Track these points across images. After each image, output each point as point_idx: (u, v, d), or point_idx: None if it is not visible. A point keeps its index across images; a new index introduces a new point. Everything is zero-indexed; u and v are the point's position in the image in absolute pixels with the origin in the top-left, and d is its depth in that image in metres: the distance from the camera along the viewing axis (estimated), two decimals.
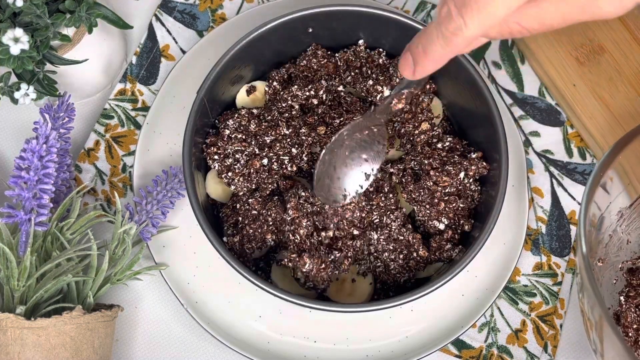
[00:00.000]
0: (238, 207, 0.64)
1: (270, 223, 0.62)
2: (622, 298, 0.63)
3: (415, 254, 0.63)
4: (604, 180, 0.55)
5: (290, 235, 0.61)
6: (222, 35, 0.71)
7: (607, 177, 0.56)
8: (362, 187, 0.61)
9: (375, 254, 0.63)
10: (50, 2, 0.61)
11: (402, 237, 0.63)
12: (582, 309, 0.57)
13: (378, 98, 0.65)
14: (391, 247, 0.63)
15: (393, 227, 0.63)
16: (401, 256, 0.63)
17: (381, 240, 0.63)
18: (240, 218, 0.64)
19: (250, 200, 0.63)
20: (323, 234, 0.62)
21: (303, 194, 0.62)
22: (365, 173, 0.61)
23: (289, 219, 0.62)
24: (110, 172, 0.71)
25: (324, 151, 0.61)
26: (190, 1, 0.76)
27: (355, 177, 0.61)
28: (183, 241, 0.67)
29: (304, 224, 0.61)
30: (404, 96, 0.57)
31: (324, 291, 0.63)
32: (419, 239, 0.63)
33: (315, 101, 0.65)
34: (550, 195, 0.71)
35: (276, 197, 0.63)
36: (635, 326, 0.61)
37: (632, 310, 0.62)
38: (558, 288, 0.69)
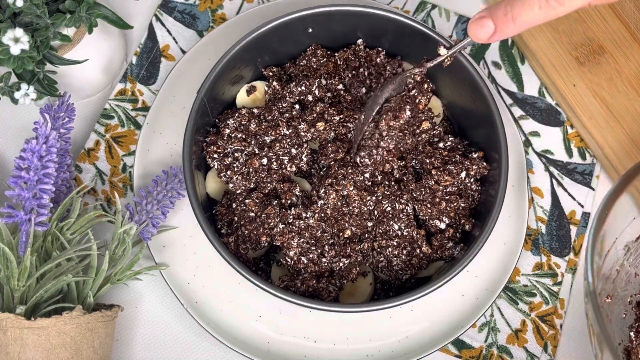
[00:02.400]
0: (234, 206, 0.64)
1: (266, 226, 0.62)
2: (632, 334, 0.62)
3: (418, 250, 0.63)
4: (608, 220, 0.56)
5: (282, 260, 0.62)
6: (222, 35, 0.71)
7: (613, 213, 0.56)
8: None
9: (378, 249, 0.63)
10: (51, 2, 0.61)
11: (406, 233, 0.63)
12: (587, 313, 0.57)
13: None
14: (395, 243, 0.63)
15: (408, 211, 0.63)
16: (404, 252, 0.63)
17: (396, 230, 0.63)
18: (236, 218, 0.64)
19: (247, 200, 0.63)
20: (341, 234, 0.62)
21: (294, 211, 0.62)
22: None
23: (278, 244, 0.62)
24: (111, 172, 0.71)
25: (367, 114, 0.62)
26: (190, 1, 0.76)
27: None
28: (183, 241, 0.67)
29: (295, 244, 0.61)
30: (454, 56, 0.59)
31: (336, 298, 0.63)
32: (422, 235, 0.63)
33: (310, 97, 0.65)
34: (550, 195, 0.71)
35: (275, 202, 0.63)
36: None
37: None
38: (558, 288, 0.69)
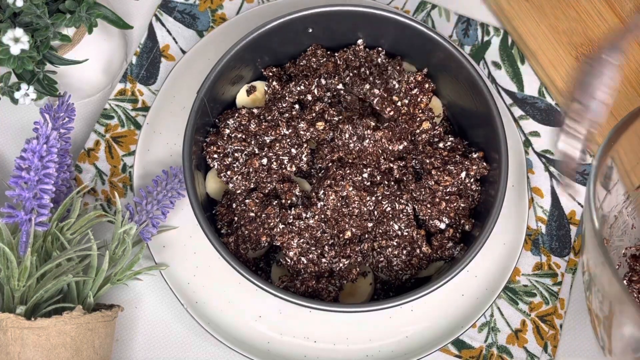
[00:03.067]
0: (234, 206, 0.64)
1: (266, 226, 0.62)
2: (624, 282, 0.62)
3: (418, 250, 0.63)
4: (612, 154, 0.55)
5: (281, 260, 0.62)
6: (222, 35, 0.71)
7: (615, 152, 0.55)
8: None
9: (378, 249, 0.63)
10: (51, 2, 0.61)
11: (406, 233, 0.63)
12: (590, 307, 0.57)
13: (375, 102, 0.65)
14: (395, 243, 0.63)
15: (408, 211, 0.63)
16: (404, 252, 0.63)
17: (396, 230, 0.63)
18: (236, 218, 0.64)
19: (247, 200, 0.63)
20: (341, 235, 0.62)
21: (293, 211, 0.62)
22: None
23: (278, 244, 0.62)
24: (111, 172, 0.71)
25: None
26: (190, 1, 0.76)
27: None
28: (183, 241, 0.67)
29: (294, 244, 0.61)
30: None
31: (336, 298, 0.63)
32: (422, 235, 0.63)
33: (309, 97, 0.65)
34: (550, 195, 0.71)
35: (276, 202, 0.63)
36: None
37: (635, 295, 0.62)
38: (558, 288, 0.69)
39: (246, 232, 0.63)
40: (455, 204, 0.63)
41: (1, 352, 0.59)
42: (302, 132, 0.64)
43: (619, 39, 0.55)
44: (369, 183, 0.63)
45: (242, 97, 0.68)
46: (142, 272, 0.65)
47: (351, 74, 0.66)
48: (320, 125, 0.64)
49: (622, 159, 0.58)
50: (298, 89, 0.65)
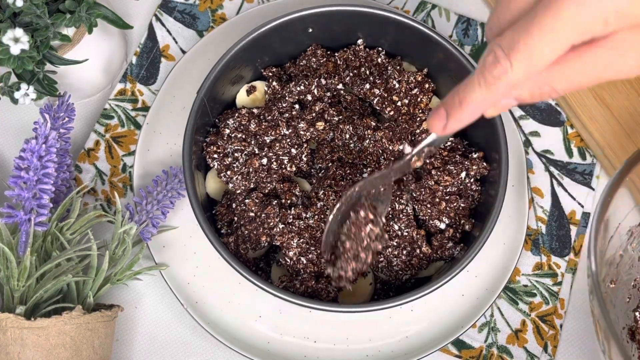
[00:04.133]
0: (234, 206, 0.64)
1: (266, 226, 0.62)
2: (637, 314, 0.63)
3: (418, 250, 0.63)
4: (613, 203, 0.56)
5: (281, 260, 0.62)
6: (222, 35, 0.71)
7: (616, 199, 0.56)
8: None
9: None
10: (50, 2, 0.61)
11: (406, 233, 0.63)
12: (592, 311, 0.57)
13: (375, 102, 0.65)
14: (395, 243, 0.63)
15: (408, 211, 0.63)
16: (404, 252, 0.63)
17: (396, 231, 0.63)
18: (235, 218, 0.64)
19: (247, 200, 0.63)
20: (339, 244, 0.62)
21: (293, 211, 0.62)
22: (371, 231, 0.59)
23: (278, 244, 0.62)
24: (110, 172, 0.71)
25: (336, 207, 0.57)
26: (190, 1, 0.76)
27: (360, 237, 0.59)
28: (183, 241, 0.67)
29: (294, 244, 0.61)
30: (423, 154, 0.54)
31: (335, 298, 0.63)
32: (422, 235, 0.63)
33: (309, 97, 0.65)
34: (550, 195, 0.71)
35: (275, 202, 0.63)
36: None
37: None
38: (558, 288, 0.69)
39: (246, 232, 0.63)
40: (455, 204, 0.63)
41: (1, 352, 0.59)
42: (302, 132, 0.64)
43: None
44: None
45: (242, 97, 0.68)
46: (142, 272, 0.65)
47: (351, 74, 0.66)
48: (320, 125, 0.64)
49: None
50: (298, 89, 0.65)
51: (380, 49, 0.67)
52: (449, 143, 0.65)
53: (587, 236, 0.55)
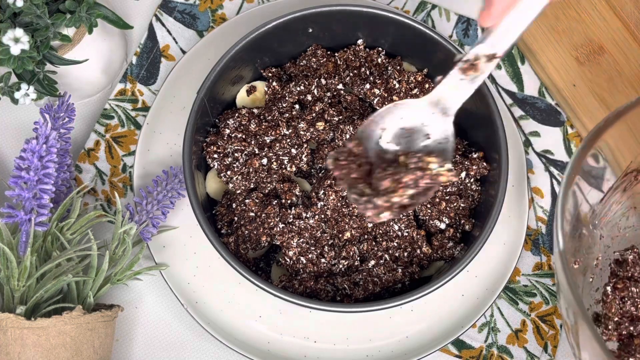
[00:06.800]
0: (234, 206, 0.64)
1: (266, 226, 0.62)
2: (609, 288, 0.63)
3: (419, 251, 0.63)
4: (576, 180, 0.55)
5: (281, 260, 0.62)
6: (222, 35, 0.71)
7: (578, 178, 0.55)
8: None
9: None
10: (51, 2, 0.61)
11: (406, 234, 0.63)
12: (560, 311, 0.57)
13: (375, 102, 0.65)
14: (395, 244, 0.63)
15: (409, 211, 0.63)
16: (405, 253, 0.63)
17: (396, 231, 0.63)
18: (236, 218, 0.64)
19: (247, 200, 0.63)
20: (340, 235, 0.62)
21: (293, 211, 0.62)
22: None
23: (278, 243, 0.62)
24: (111, 172, 0.71)
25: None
26: (190, 1, 0.76)
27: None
28: (183, 241, 0.67)
29: (294, 244, 0.61)
30: (472, 61, 0.52)
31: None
32: (422, 236, 0.63)
33: (309, 97, 0.65)
34: (550, 195, 0.71)
35: (275, 202, 0.63)
36: (616, 319, 0.62)
37: (618, 302, 0.62)
38: None
39: (246, 232, 0.63)
40: (455, 204, 0.63)
41: (1, 352, 0.59)
42: (302, 132, 0.64)
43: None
44: None
45: (242, 97, 0.68)
46: (142, 272, 0.65)
47: (351, 74, 0.66)
48: (320, 125, 0.64)
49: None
50: (298, 89, 0.65)
51: (380, 49, 0.67)
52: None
53: (556, 212, 0.54)
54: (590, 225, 0.61)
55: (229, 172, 0.64)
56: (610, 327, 0.62)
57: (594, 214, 0.61)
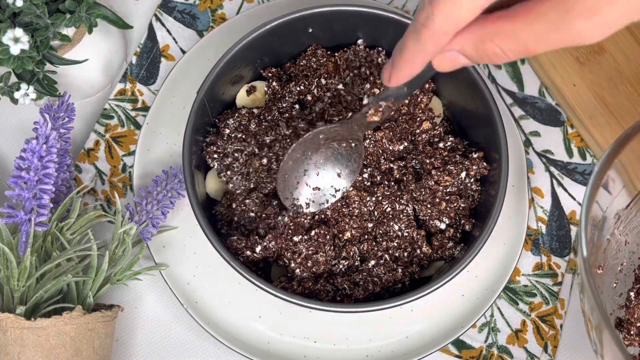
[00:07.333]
0: (234, 206, 0.64)
1: (266, 226, 0.62)
2: (632, 294, 0.63)
3: (419, 251, 0.63)
4: (604, 181, 0.55)
5: (281, 260, 0.63)
6: (222, 35, 0.71)
7: (608, 178, 0.55)
8: (327, 202, 0.61)
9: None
10: (50, 2, 0.61)
11: (406, 234, 0.63)
12: (583, 309, 0.57)
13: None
14: (395, 244, 0.63)
15: (408, 211, 0.63)
16: (405, 253, 0.63)
17: (396, 231, 0.63)
18: (236, 218, 0.64)
19: (247, 201, 0.63)
20: (340, 235, 0.62)
21: (286, 219, 0.62)
22: (335, 188, 0.61)
23: (274, 249, 0.62)
24: (110, 172, 0.71)
25: (294, 146, 0.59)
26: (190, 1, 0.76)
27: (324, 189, 0.61)
28: (183, 241, 0.67)
29: (294, 244, 0.62)
30: (380, 108, 0.54)
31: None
32: (423, 236, 0.63)
33: (309, 97, 0.65)
34: (550, 195, 0.71)
35: (276, 203, 0.63)
36: (639, 324, 0.62)
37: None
38: (558, 288, 0.69)
39: (246, 232, 0.63)
40: (455, 204, 0.63)
41: (1, 352, 0.59)
42: (302, 132, 0.64)
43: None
44: (369, 183, 0.63)
45: (242, 97, 0.68)
46: (142, 272, 0.65)
47: (351, 74, 0.66)
48: (320, 125, 0.64)
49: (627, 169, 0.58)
50: (298, 89, 0.65)
51: (380, 49, 0.67)
52: (449, 143, 0.65)
53: (579, 215, 0.54)
54: (615, 231, 0.61)
55: (229, 172, 0.64)
56: (632, 332, 0.62)
57: (619, 219, 0.61)
